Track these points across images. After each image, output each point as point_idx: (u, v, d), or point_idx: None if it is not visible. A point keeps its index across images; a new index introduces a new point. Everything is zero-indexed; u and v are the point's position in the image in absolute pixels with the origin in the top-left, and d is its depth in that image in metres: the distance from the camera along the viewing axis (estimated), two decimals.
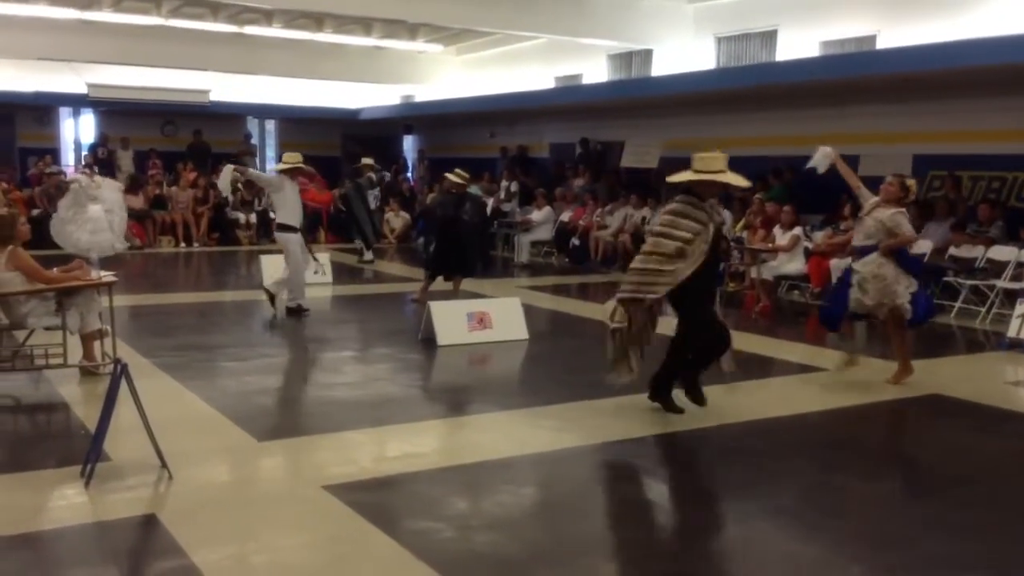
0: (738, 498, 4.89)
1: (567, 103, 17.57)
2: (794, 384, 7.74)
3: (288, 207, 10.13)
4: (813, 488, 5.18)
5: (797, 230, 11.39)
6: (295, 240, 10.06)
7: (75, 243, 7.92)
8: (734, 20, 15.59)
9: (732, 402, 6.81)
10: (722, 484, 5.12)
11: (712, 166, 6.16)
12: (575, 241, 15.81)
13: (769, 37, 15.05)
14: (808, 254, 11.42)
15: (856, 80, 11.93)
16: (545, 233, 16.44)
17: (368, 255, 15.47)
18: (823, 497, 5.05)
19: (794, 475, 5.33)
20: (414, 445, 5.83)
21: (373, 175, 16.19)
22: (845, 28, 13.72)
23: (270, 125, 24.23)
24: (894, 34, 12.77)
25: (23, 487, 4.82)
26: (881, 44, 13.07)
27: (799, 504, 4.90)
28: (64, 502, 4.62)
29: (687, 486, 5.11)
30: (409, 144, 24.27)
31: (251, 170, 11.88)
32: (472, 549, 4.22)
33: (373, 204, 16.02)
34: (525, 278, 14.31)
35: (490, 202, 17.00)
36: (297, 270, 10.07)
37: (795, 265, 11.38)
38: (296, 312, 10.04)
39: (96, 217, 11.79)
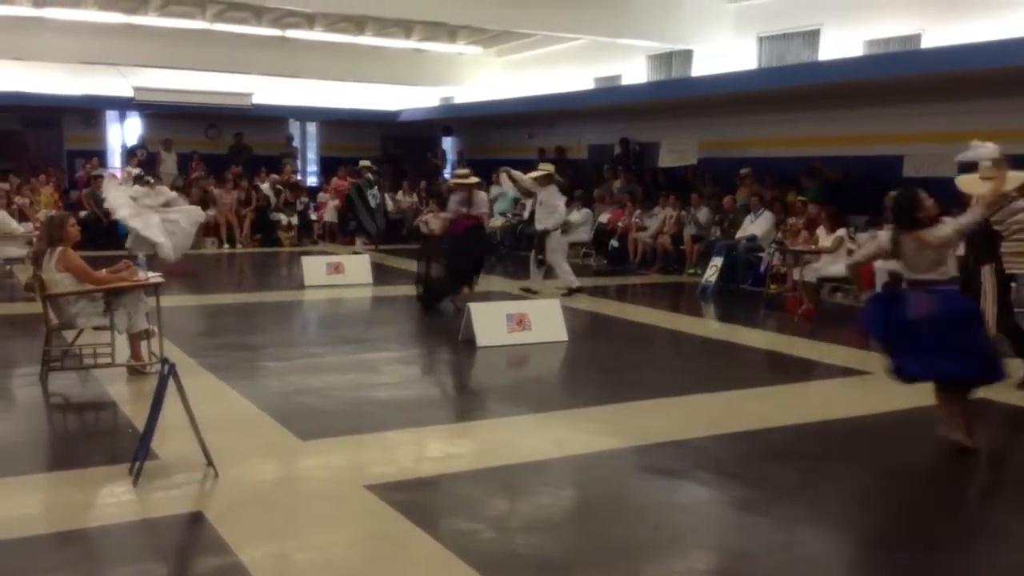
0: (783, 503, 4.85)
1: (606, 104, 17.53)
2: (838, 387, 7.65)
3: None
4: (861, 493, 5.12)
5: (841, 232, 11.25)
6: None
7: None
8: (776, 19, 15.46)
9: (776, 406, 6.76)
10: (766, 488, 5.08)
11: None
12: (614, 243, 15.76)
13: (812, 36, 14.90)
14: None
15: (901, 80, 11.77)
16: (583, 235, 16.40)
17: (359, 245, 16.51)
18: (871, 502, 5.00)
19: (841, 480, 5.27)
20: (454, 446, 5.86)
21: (371, 176, 16.96)
22: (889, 27, 13.54)
23: (311, 127, 24.45)
24: (939, 33, 12.59)
25: (73, 484, 4.91)
26: (926, 43, 12.89)
27: (846, 509, 4.85)
28: (113, 499, 4.71)
29: (730, 490, 5.08)
30: (448, 145, 24.35)
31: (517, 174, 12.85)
32: (512, 550, 4.24)
33: (373, 202, 16.75)
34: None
35: (528, 204, 17.00)
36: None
37: (838, 267, 11.22)
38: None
39: (151, 224, 12.25)
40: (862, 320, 6.31)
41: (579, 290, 11.82)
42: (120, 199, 12.86)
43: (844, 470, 5.44)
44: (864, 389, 7.36)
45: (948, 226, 5.60)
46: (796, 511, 4.71)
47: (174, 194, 13.61)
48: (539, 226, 12.05)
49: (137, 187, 13.50)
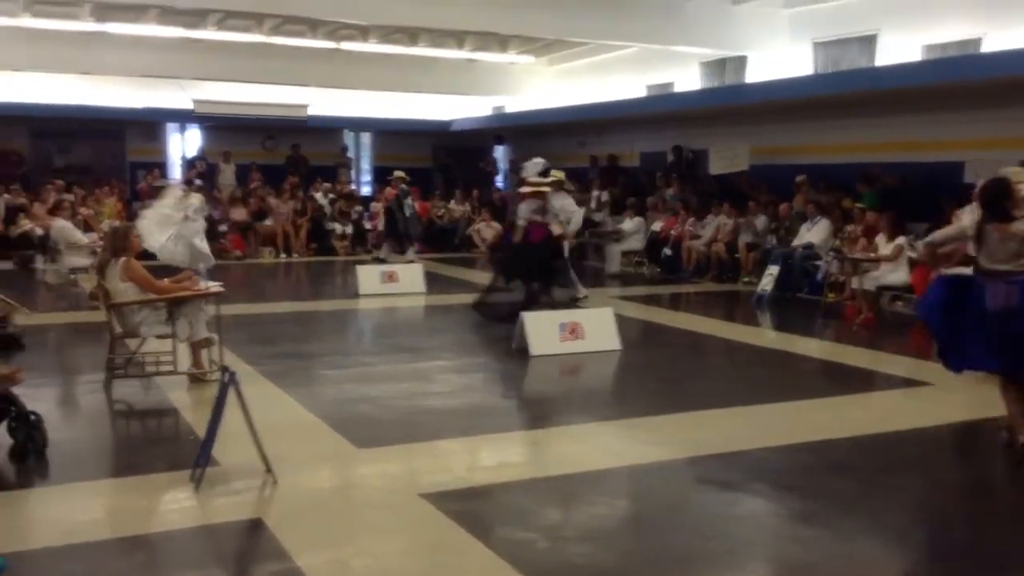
0: (842, 515, 4.78)
1: (658, 111, 17.46)
2: (898, 398, 7.52)
3: None
4: (922, 506, 5.03)
5: (901, 239, 11.05)
6: None
7: (172, 256, 8.27)
8: (832, 25, 15.27)
9: (834, 417, 6.67)
10: (825, 500, 5.01)
11: None
12: (667, 251, 15.68)
13: (868, 41, 14.68)
14: (912, 264, 11.07)
15: (960, 85, 11.55)
16: (636, 243, 16.35)
17: (410, 254, 16.33)
18: (932, 516, 4.90)
19: (902, 492, 5.18)
20: (508, 455, 5.88)
21: (405, 186, 17.00)
22: (949, 31, 13.29)
23: (365, 138, 24.74)
24: (1000, 37, 12.32)
25: (135, 490, 5.03)
26: (987, 47, 12.63)
27: (907, 522, 4.77)
28: (175, 505, 4.81)
29: (787, 502, 5.02)
30: (500, 154, 24.45)
31: None
32: (567, 560, 4.23)
33: (408, 212, 16.81)
34: (616, 288, 14.26)
35: (580, 211, 16.95)
36: None
37: (899, 275, 11.04)
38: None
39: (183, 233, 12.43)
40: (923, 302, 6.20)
41: (584, 299, 11.49)
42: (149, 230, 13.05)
43: (905, 483, 5.34)
44: (925, 400, 7.23)
45: None
46: (855, 524, 4.64)
47: (196, 203, 13.62)
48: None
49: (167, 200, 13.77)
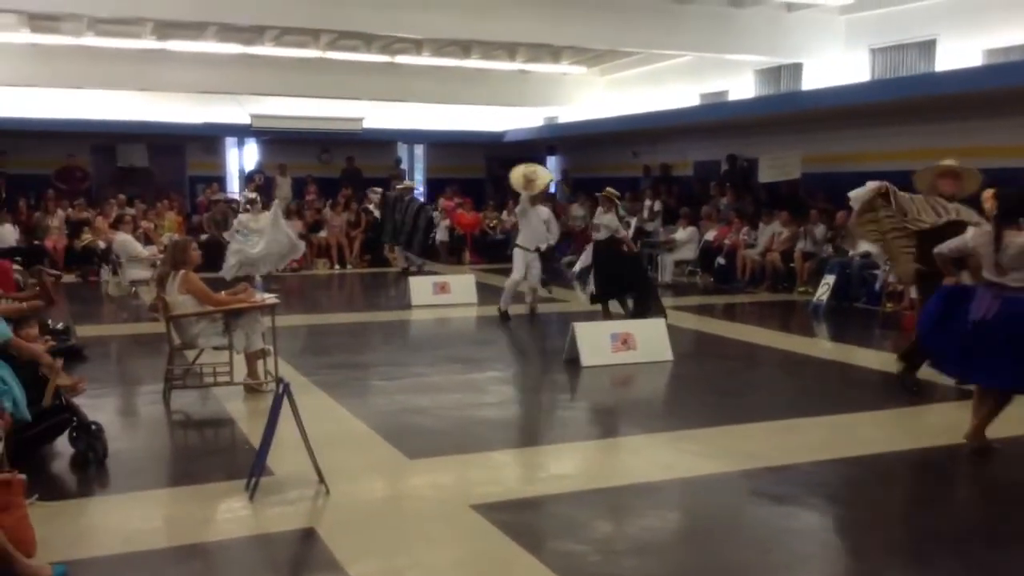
0: (899, 529, 4.68)
1: (712, 120, 17.32)
2: (957, 411, 7.32)
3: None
4: (981, 521, 4.90)
5: None
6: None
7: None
8: (889, 31, 15.02)
9: (892, 430, 6.54)
10: (880, 514, 4.91)
11: None
12: (720, 260, 15.53)
13: (927, 47, 14.43)
14: None
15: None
16: (689, 252, 16.22)
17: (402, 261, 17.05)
18: (992, 531, 4.78)
19: (958, 506, 5.07)
20: (559, 466, 5.87)
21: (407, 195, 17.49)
22: (1010, 35, 13.00)
23: (419, 150, 24.95)
24: None
25: (192, 499, 5.12)
26: None
27: (966, 538, 4.65)
28: (230, 515, 4.88)
29: (843, 516, 4.94)
30: (552, 164, 24.47)
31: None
32: (618, 573, 4.21)
33: (421, 220, 17.06)
34: (669, 298, 14.11)
35: (633, 221, 16.92)
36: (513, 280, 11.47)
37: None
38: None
39: (255, 244, 13.23)
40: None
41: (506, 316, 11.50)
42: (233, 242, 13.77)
43: (964, 497, 5.22)
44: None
45: None
46: (911, 538, 4.54)
47: (269, 215, 14.11)
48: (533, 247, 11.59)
49: (243, 216, 14.27)
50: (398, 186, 18.15)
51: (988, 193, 6.03)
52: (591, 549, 4.44)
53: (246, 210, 14.67)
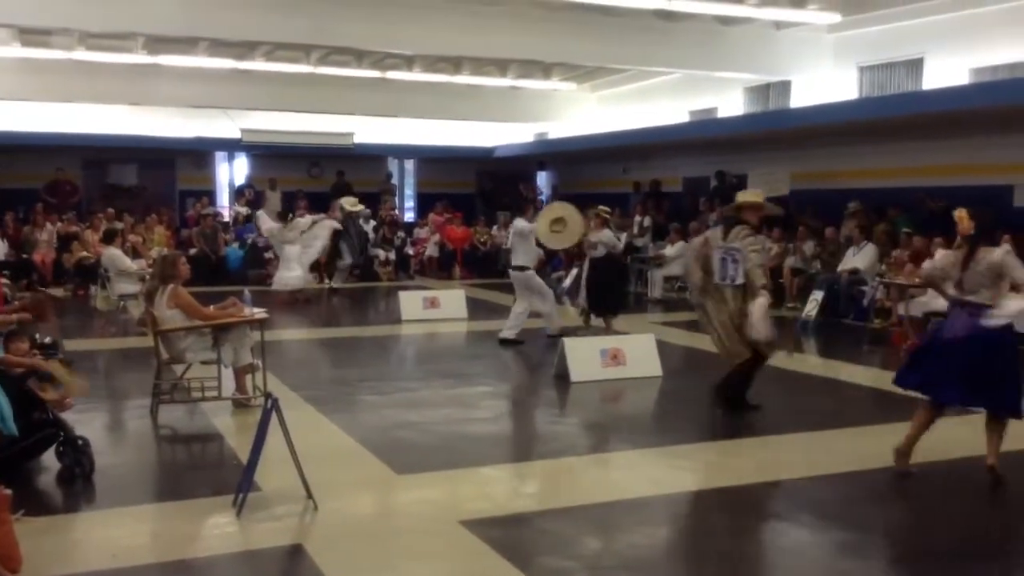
0: (888, 546, 4.69)
1: (702, 137, 17.41)
2: (947, 426, 7.33)
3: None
4: (972, 538, 4.91)
5: None
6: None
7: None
8: (877, 49, 15.15)
9: (881, 445, 6.54)
10: (870, 532, 4.92)
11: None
12: None
13: (915, 65, 14.55)
14: None
15: (1010, 108, 11.37)
16: (678, 268, 16.17)
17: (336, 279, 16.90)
18: (984, 547, 4.79)
19: (948, 522, 5.08)
20: (548, 482, 5.86)
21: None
22: (997, 54, 13.12)
23: (409, 165, 24.97)
24: None
25: (179, 515, 5.09)
26: None
27: (957, 554, 4.66)
28: (217, 531, 4.86)
29: (831, 533, 4.94)
30: (542, 180, 24.53)
31: None
32: None
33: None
34: (659, 314, 14.20)
35: (623, 237, 16.96)
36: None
37: (946, 301, 10.84)
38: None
39: (289, 256, 14.16)
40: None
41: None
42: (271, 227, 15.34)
43: (953, 513, 5.23)
44: (975, 428, 7.02)
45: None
46: (901, 555, 4.55)
47: (307, 222, 15.41)
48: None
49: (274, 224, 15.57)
50: (351, 209, 17.17)
51: (962, 213, 6.09)
52: (580, 565, 4.43)
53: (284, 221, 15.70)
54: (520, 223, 11.07)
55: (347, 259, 17.00)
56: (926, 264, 6.59)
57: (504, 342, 10.78)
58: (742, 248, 7.19)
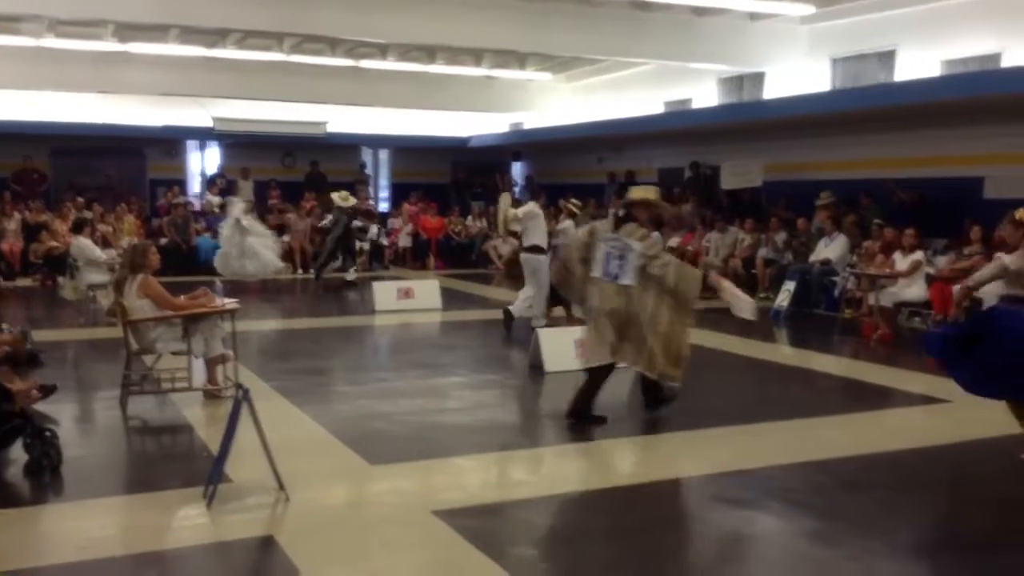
0: (858, 535, 4.72)
1: (676, 128, 17.45)
2: (916, 415, 7.44)
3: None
4: (940, 526, 4.96)
5: (918, 255, 10.98)
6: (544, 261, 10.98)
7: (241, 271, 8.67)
8: (850, 41, 15.25)
9: (851, 434, 6.61)
10: (840, 520, 4.95)
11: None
12: None
13: (887, 57, 14.66)
14: (930, 279, 10.99)
15: (981, 100, 11.48)
16: None
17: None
18: (951, 535, 4.84)
19: (919, 511, 5.12)
20: (522, 472, 5.87)
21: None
22: (968, 46, 13.24)
23: (383, 154, 24.84)
24: (1020, 52, 12.27)
25: (148, 507, 5.04)
26: (1007, 62, 12.56)
27: (925, 542, 4.71)
28: (187, 522, 4.81)
29: (801, 521, 4.97)
30: (518, 170, 24.50)
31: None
32: None
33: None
34: None
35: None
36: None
37: (916, 291, 10.96)
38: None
39: (252, 247, 14.01)
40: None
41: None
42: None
43: (922, 501, 5.28)
44: (944, 417, 7.15)
45: None
46: (871, 543, 4.58)
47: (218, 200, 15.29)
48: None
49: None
50: (342, 203, 16.95)
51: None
52: (553, 555, 4.43)
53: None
54: (531, 205, 11.50)
55: (347, 258, 16.78)
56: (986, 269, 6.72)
57: (508, 316, 11.11)
58: (643, 251, 6.79)
